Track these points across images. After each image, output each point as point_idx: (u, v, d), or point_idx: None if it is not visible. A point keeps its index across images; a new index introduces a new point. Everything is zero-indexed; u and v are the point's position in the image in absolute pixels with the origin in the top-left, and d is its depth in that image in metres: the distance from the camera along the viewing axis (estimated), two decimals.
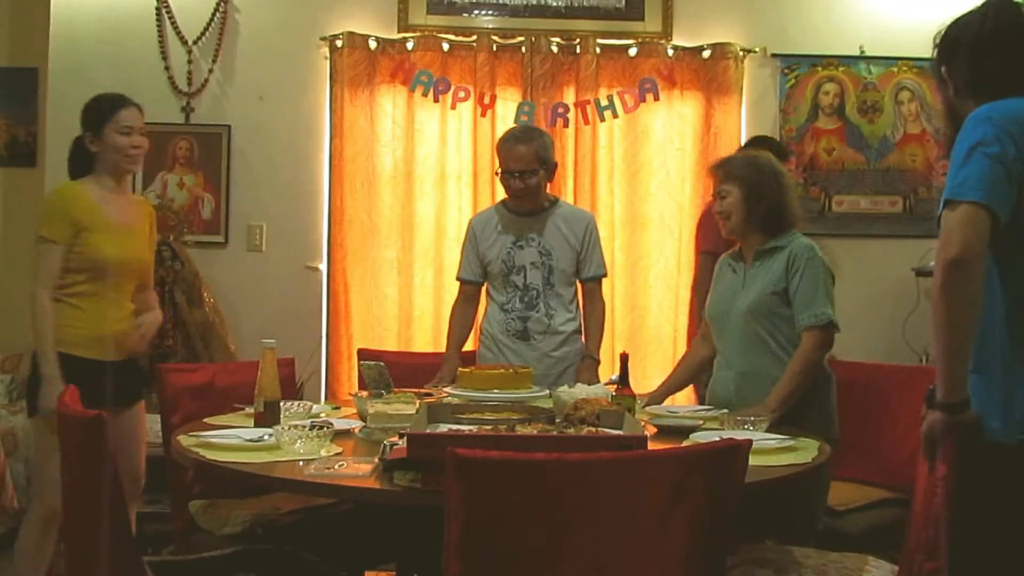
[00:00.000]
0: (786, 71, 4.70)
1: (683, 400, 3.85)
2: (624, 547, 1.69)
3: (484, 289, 3.76)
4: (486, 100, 4.54)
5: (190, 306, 4.36)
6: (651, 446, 2.03)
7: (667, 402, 3.37)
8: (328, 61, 4.58)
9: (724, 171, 3.13)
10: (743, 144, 4.36)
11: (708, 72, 4.61)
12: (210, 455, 2.28)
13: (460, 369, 3.28)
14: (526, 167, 3.55)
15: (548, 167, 3.64)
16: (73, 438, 2.21)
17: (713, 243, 3.91)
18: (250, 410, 2.74)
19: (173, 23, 4.58)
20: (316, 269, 4.61)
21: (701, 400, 3.48)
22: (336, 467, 2.15)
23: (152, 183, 4.56)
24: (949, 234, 1.87)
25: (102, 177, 3.24)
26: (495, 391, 3.02)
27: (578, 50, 4.60)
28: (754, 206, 3.04)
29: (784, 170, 3.24)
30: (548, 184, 3.74)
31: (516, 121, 4.46)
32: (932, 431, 1.93)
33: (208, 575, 2.55)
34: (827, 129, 4.72)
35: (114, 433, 2.11)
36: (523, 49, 4.60)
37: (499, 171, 3.65)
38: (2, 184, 5.02)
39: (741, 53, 4.63)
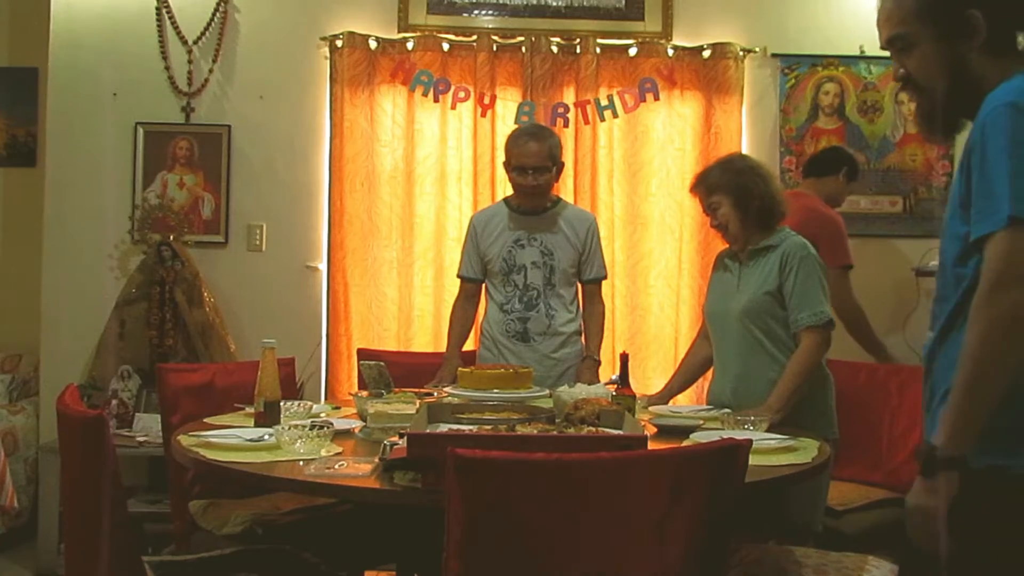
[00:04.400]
0: (786, 71, 4.70)
1: (684, 400, 3.85)
2: (624, 547, 1.69)
3: (484, 287, 3.77)
4: (486, 100, 4.54)
5: (190, 306, 4.36)
6: (651, 446, 2.03)
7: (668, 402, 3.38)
8: (328, 61, 4.58)
9: (705, 185, 3.12)
10: (811, 159, 4.36)
11: (708, 72, 4.61)
12: (210, 455, 2.28)
13: (460, 369, 3.28)
14: (539, 164, 3.57)
15: (558, 167, 3.67)
16: (73, 438, 2.21)
17: (844, 255, 4.00)
18: (250, 410, 2.74)
19: (173, 23, 4.58)
20: (316, 269, 4.61)
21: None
22: (336, 467, 2.15)
23: (152, 183, 4.55)
24: (1016, 262, 1.49)
25: None
26: (495, 391, 3.02)
27: (578, 50, 4.60)
28: (747, 208, 3.04)
29: (758, 161, 3.25)
30: (554, 184, 3.75)
31: (517, 121, 4.45)
32: (933, 516, 1.58)
33: (208, 575, 2.55)
34: (827, 129, 4.71)
35: None
36: (523, 49, 4.59)
37: (509, 166, 3.65)
38: (2, 184, 5.02)
39: (741, 53, 4.62)
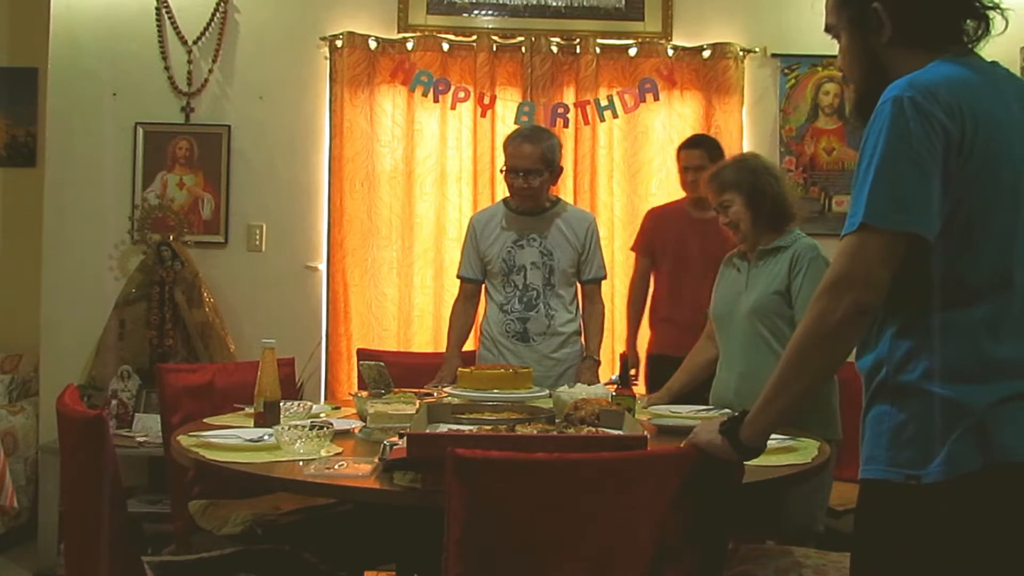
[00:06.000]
0: (786, 71, 4.70)
1: (684, 400, 3.84)
2: (624, 547, 1.69)
3: (484, 288, 3.76)
4: (486, 100, 4.54)
5: (190, 306, 4.36)
6: (651, 446, 2.03)
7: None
8: (328, 61, 4.58)
9: (718, 183, 3.11)
10: (683, 145, 4.24)
11: (708, 72, 4.61)
12: (210, 455, 2.28)
13: (460, 369, 3.27)
14: (531, 166, 3.55)
15: (553, 170, 3.64)
16: (73, 438, 2.21)
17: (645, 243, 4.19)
18: (250, 410, 2.74)
19: (173, 23, 4.58)
20: (316, 269, 4.61)
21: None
22: (336, 467, 2.15)
23: (152, 183, 4.56)
24: (855, 267, 1.54)
25: None
26: (495, 391, 3.01)
27: (578, 50, 4.60)
28: (758, 208, 3.03)
29: (772, 161, 3.24)
30: (552, 186, 3.74)
31: (516, 121, 4.46)
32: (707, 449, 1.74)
33: (208, 575, 2.55)
34: (827, 129, 4.71)
35: None
36: (523, 49, 4.60)
37: (503, 168, 3.65)
38: (2, 184, 5.02)
39: (741, 53, 4.63)
